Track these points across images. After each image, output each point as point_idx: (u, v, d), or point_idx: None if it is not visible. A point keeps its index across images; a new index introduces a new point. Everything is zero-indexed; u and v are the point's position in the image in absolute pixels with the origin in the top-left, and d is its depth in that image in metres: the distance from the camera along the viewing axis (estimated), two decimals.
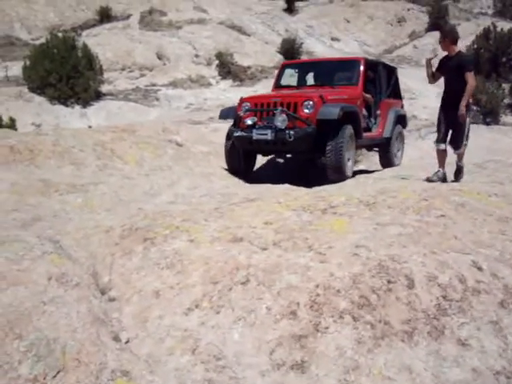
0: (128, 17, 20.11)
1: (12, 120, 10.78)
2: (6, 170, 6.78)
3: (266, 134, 7.40)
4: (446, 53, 6.39)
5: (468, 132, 6.27)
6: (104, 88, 15.06)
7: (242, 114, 7.78)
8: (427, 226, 4.13)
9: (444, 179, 6.29)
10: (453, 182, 6.31)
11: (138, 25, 19.63)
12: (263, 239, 4.12)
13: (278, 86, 9.44)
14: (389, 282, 3.37)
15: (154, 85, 16.31)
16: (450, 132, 6.34)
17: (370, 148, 9.79)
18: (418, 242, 3.83)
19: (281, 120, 7.32)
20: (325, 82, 8.81)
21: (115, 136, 8.61)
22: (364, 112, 8.56)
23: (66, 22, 18.79)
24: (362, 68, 8.59)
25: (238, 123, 7.91)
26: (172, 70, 17.08)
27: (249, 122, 7.62)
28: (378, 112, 9.07)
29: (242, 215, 4.81)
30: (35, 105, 12.98)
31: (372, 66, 9.16)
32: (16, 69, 14.63)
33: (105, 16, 19.62)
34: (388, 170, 8.52)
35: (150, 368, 2.98)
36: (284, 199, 5.26)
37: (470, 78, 6.01)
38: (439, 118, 6.40)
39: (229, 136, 8.20)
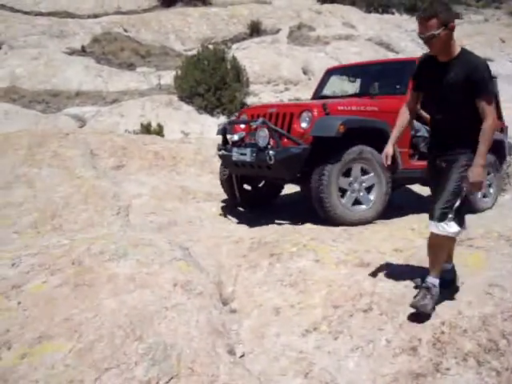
0: (277, 31, 20.47)
1: (160, 126, 11.36)
2: (149, 175, 7.18)
3: (245, 154, 5.59)
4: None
5: (463, 201, 3.29)
6: (249, 100, 15.38)
7: (226, 126, 6.20)
8: None
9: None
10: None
11: (287, 39, 19.91)
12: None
13: (318, 96, 7.33)
14: None
15: (297, 99, 16.40)
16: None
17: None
18: None
19: (261, 136, 5.48)
20: (367, 91, 6.56)
21: None
22: (423, 131, 6.01)
23: (218, 34, 19.50)
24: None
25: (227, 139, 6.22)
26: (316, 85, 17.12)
27: (234, 137, 5.96)
28: None
29: (371, 239, 4.70)
30: (183, 113, 13.57)
31: None
32: (168, 78, 15.38)
33: (255, 30, 20.12)
34: None
35: None
36: (418, 226, 5.08)
37: (489, 112, 3.18)
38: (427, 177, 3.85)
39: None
